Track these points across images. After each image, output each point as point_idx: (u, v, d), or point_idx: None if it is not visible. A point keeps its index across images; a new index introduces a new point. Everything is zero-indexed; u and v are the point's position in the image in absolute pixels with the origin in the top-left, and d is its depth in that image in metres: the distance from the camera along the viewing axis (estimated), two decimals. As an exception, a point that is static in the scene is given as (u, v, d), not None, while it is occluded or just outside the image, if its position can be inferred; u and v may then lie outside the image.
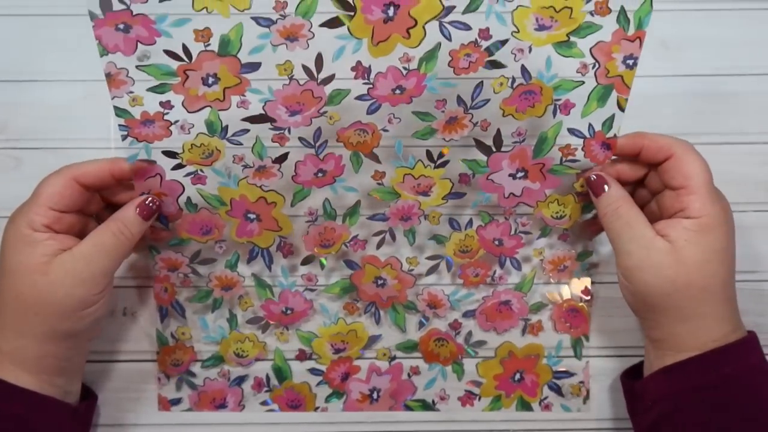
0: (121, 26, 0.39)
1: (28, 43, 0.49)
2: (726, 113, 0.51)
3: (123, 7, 0.38)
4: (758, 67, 0.50)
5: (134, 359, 0.51)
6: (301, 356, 0.51)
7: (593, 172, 0.45)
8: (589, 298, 0.51)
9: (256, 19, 0.39)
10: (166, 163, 0.44)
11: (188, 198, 0.45)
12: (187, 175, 0.44)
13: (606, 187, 0.44)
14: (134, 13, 0.38)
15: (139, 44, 0.39)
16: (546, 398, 0.51)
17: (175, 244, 0.47)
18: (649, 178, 0.46)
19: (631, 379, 0.48)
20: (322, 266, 0.49)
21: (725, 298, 0.43)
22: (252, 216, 0.46)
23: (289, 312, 0.49)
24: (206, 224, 0.46)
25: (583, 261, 0.50)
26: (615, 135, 0.44)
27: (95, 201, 0.45)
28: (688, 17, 0.49)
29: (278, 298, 0.49)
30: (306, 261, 0.49)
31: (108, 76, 0.40)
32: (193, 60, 0.40)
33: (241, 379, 0.51)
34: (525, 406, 0.51)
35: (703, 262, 0.42)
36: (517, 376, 0.51)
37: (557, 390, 0.51)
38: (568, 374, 0.51)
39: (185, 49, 0.40)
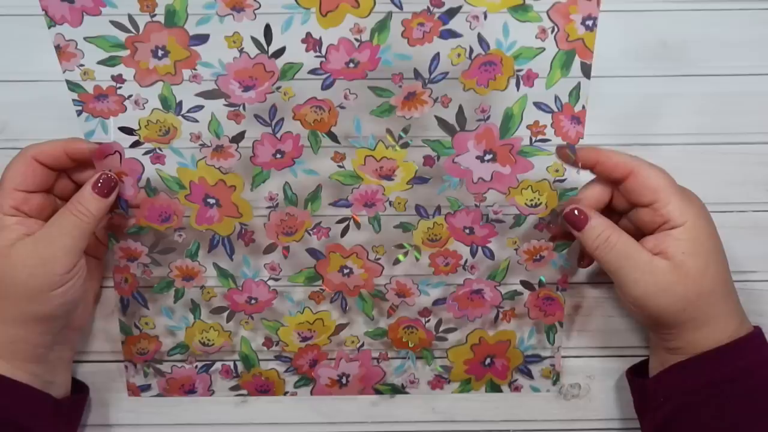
0: None
1: (28, 43, 0.49)
2: (726, 113, 0.49)
3: None
4: (758, 67, 0.49)
5: None
6: (268, 345, 0.49)
7: (568, 205, 0.44)
8: (567, 288, 0.47)
9: None
10: (124, 141, 0.43)
11: (147, 180, 0.45)
12: (146, 153, 0.44)
13: (589, 218, 0.43)
14: None
15: (86, 15, 0.40)
16: (516, 380, 0.50)
17: (134, 233, 0.46)
18: (615, 200, 0.45)
19: (635, 377, 0.48)
20: (285, 257, 0.48)
21: (729, 293, 0.44)
22: (211, 201, 0.45)
23: (253, 302, 0.48)
24: (165, 210, 0.45)
25: (560, 252, 0.46)
26: (584, 107, 0.42)
27: (65, 184, 0.45)
28: (688, 17, 0.48)
29: (242, 287, 0.47)
30: (268, 250, 0.47)
31: (57, 48, 0.40)
32: (141, 32, 0.40)
33: (208, 366, 0.49)
34: (494, 388, 0.50)
35: (705, 268, 0.42)
36: (488, 360, 0.49)
37: (527, 373, 0.50)
38: (540, 358, 0.49)
39: (131, 19, 0.40)
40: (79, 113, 0.42)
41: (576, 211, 0.43)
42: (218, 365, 0.50)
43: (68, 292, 0.42)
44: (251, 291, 0.47)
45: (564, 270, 0.47)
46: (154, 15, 0.40)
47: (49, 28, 0.40)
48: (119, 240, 0.46)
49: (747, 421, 0.42)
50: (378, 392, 0.50)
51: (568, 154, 0.43)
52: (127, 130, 0.43)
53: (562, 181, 0.44)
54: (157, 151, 0.44)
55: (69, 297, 0.42)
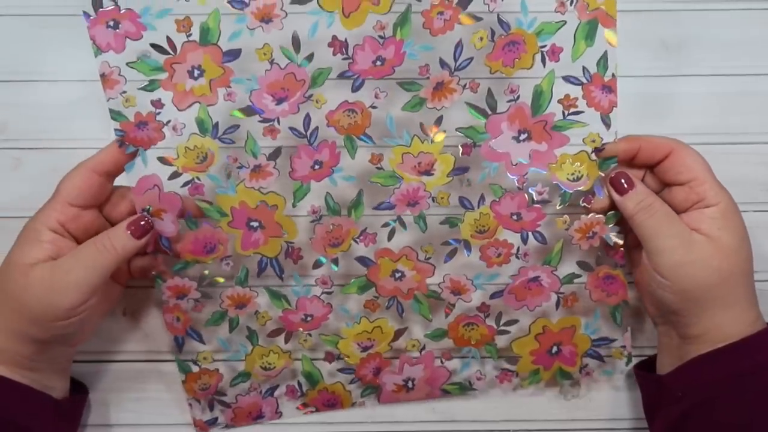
0: (111, 23, 0.41)
1: (28, 43, 0.49)
2: (726, 113, 0.50)
3: (111, 4, 0.40)
4: (758, 67, 0.50)
5: (134, 359, 0.50)
6: (330, 358, 0.49)
7: (612, 171, 0.44)
8: (624, 263, 0.46)
9: (231, 3, 0.41)
10: (163, 172, 0.44)
11: (188, 213, 0.45)
12: (185, 185, 0.44)
13: (635, 185, 0.43)
14: (121, 10, 0.41)
15: (128, 41, 0.41)
16: (586, 366, 0.48)
17: (180, 269, 0.46)
18: (646, 181, 0.45)
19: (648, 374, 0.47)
20: (335, 269, 0.47)
21: (752, 280, 0.44)
22: (255, 224, 0.45)
23: (309, 319, 0.47)
24: (209, 241, 0.45)
25: (612, 223, 0.45)
26: (613, 75, 0.42)
27: (121, 205, 0.45)
28: (688, 17, 0.49)
29: (296, 306, 0.47)
30: (317, 264, 0.47)
31: (102, 76, 0.41)
32: (178, 52, 0.41)
33: (273, 389, 0.49)
34: (565, 375, 0.49)
35: (738, 247, 0.43)
36: (554, 349, 0.48)
37: (598, 357, 0.48)
38: (608, 340, 0.48)
39: (169, 40, 0.41)
40: (120, 144, 0.43)
41: (623, 178, 0.43)
42: (283, 387, 0.49)
43: (70, 326, 0.42)
44: (306, 308, 0.47)
45: (619, 244, 0.46)
46: (190, 34, 0.41)
47: (95, 56, 0.41)
48: (165, 279, 0.46)
49: (765, 416, 0.41)
50: (446, 392, 0.49)
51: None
52: (165, 161, 0.44)
53: (601, 150, 0.44)
54: (195, 181, 0.44)
55: (70, 330, 0.42)
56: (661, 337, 0.46)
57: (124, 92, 0.42)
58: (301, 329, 0.48)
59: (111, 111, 0.42)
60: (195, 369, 0.48)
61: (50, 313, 0.41)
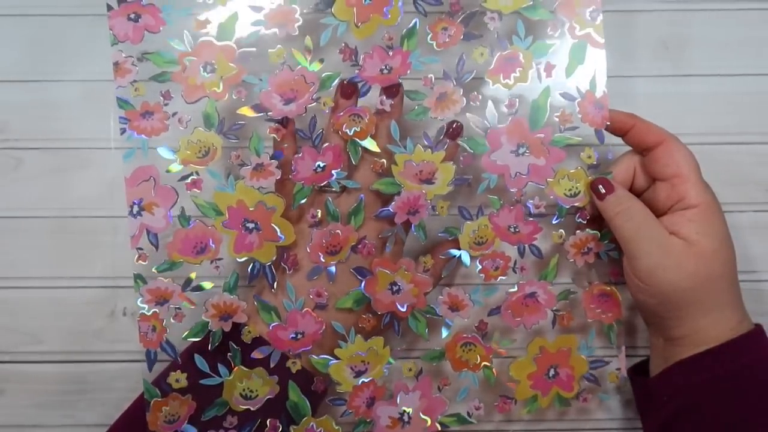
0: (132, 16, 0.42)
1: (28, 43, 0.49)
2: (726, 113, 0.51)
3: None
4: (758, 67, 0.51)
5: (134, 359, 0.49)
6: (320, 386, 0.44)
7: (596, 177, 0.45)
8: (618, 280, 0.46)
9: (253, 7, 0.43)
10: (161, 164, 0.43)
11: (181, 209, 0.43)
12: (182, 179, 0.43)
13: (615, 189, 0.45)
14: (144, 3, 0.42)
15: (146, 33, 0.42)
16: (583, 391, 0.46)
17: (165, 270, 0.43)
18: (636, 180, 0.47)
19: (637, 376, 0.47)
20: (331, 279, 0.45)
21: (736, 284, 0.44)
22: (251, 225, 0.43)
23: (299, 336, 0.44)
24: (201, 240, 0.43)
25: (606, 241, 0.46)
26: (604, 92, 0.45)
27: None
28: (688, 17, 0.50)
29: (286, 321, 0.44)
30: (313, 273, 0.44)
31: (115, 65, 0.42)
32: (194, 48, 0.42)
33: (251, 426, 0.43)
34: (563, 402, 0.46)
35: (717, 251, 0.43)
36: (552, 372, 0.46)
37: (594, 380, 0.47)
38: (603, 362, 0.47)
39: (187, 36, 0.42)
40: (123, 131, 0.42)
41: (602, 183, 0.45)
42: (264, 423, 0.43)
43: None
44: (297, 324, 0.44)
45: (614, 261, 0.46)
46: (207, 32, 0.43)
47: (112, 45, 0.41)
48: (147, 281, 0.43)
49: (751, 417, 0.41)
50: (445, 426, 0.45)
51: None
52: (166, 152, 0.43)
53: (596, 167, 0.46)
54: (194, 175, 0.43)
55: None
56: (650, 338, 0.47)
57: (134, 81, 0.42)
58: (290, 349, 0.44)
59: (118, 99, 0.42)
60: (164, 391, 0.42)
61: None
